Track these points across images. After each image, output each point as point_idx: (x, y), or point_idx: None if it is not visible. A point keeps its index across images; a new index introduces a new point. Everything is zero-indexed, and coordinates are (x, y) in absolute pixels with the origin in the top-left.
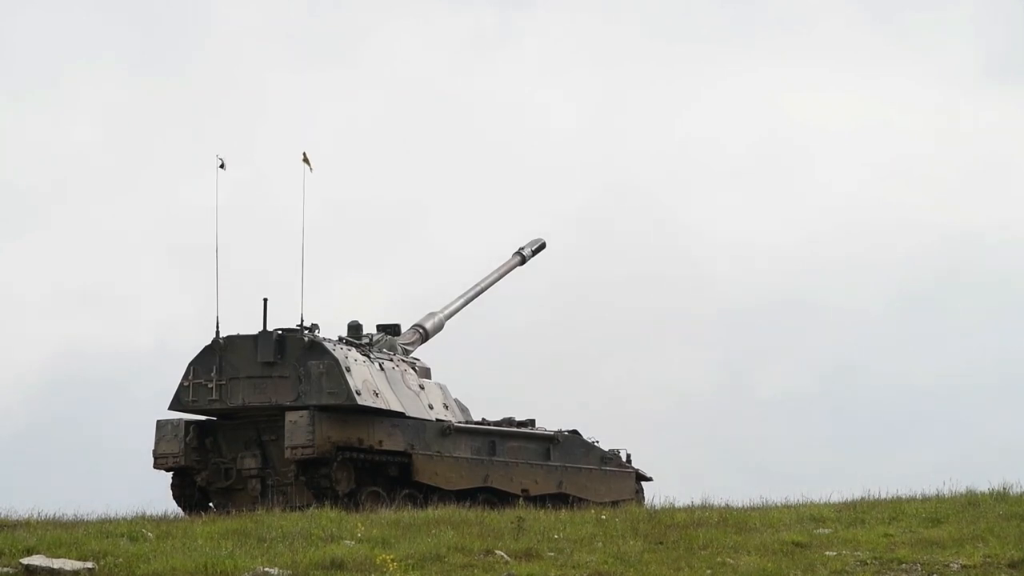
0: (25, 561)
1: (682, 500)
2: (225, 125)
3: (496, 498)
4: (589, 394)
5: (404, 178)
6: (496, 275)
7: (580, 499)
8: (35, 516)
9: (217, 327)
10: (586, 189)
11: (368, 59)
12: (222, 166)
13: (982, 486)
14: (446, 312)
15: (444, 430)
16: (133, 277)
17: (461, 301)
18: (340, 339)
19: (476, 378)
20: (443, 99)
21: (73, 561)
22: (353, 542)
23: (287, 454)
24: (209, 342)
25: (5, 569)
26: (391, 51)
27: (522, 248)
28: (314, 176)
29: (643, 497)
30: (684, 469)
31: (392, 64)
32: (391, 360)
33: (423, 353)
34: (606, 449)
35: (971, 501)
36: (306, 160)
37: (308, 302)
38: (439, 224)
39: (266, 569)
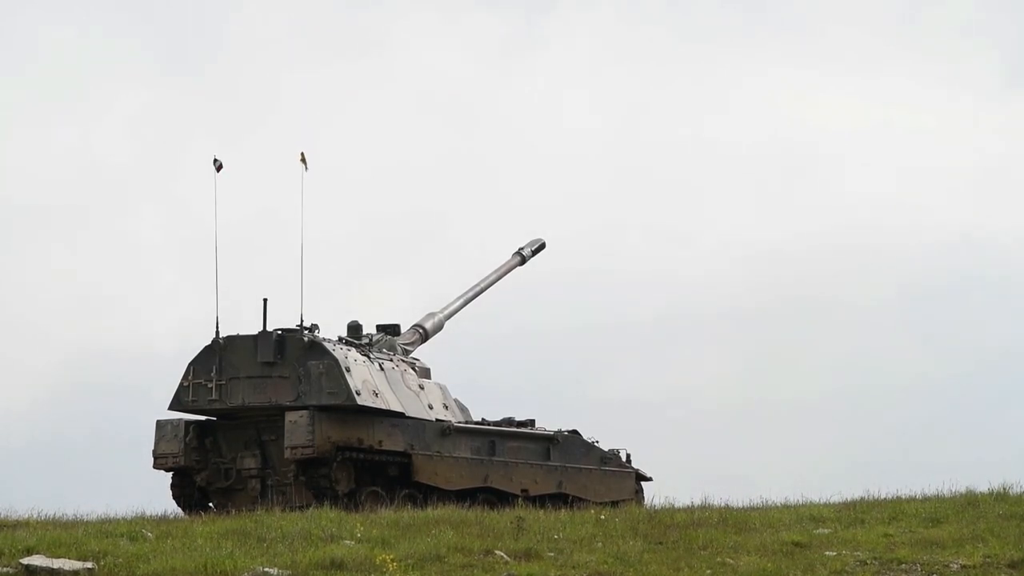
0: (25, 561)
1: (682, 500)
2: (233, 126)
3: (496, 498)
4: (589, 393)
5: (415, 178)
6: (496, 275)
7: (580, 499)
8: (35, 516)
9: (217, 327)
10: (595, 188)
11: (383, 60)
12: (218, 168)
13: (982, 486)
14: (446, 312)
15: (444, 430)
16: (148, 280)
17: (461, 301)
18: (340, 339)
19: (476, 378)
20: (454, 99)
21: (73, 561)
22: (353, 542)
23: (287, 454)
24: (209, 342)
25: (5, 569)
26: (408, 52)
27: (522, 248)
28: (320, 177)
29: (643, 497)
30: (685, 469)
31: (406, 65)
32: (391, 360)
33: (423, 353)
34: (606, 449)
35: (971, 501)
36: (303, 160)
37: (308, 302)
38: (449, 225)
39: (266, 569)
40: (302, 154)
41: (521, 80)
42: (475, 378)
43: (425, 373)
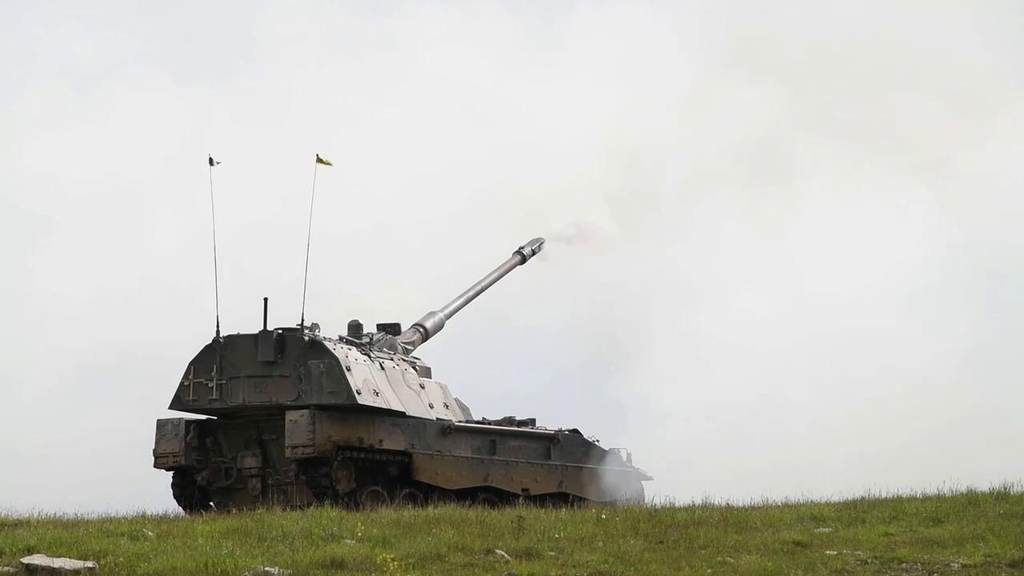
0: (26, 560)
1: (682, 499)
2: (241, 127)
3: (496, 497)
4: (590, 393)
5: (417, 177)
6: (496, 274)
7: (580, 498)
8: (35, 515)
9: (217, 326)
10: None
11: (390, 61)
12: (211, 162)
13: (982, 486)
14: (446, 311)
15: (444, 429)
16: (152, 281)
17: (461, 300)
18: (340, 338)
19: (476, 377)
20: (464, 100)
21: (73, 560)
22: (353, 541)
23: (287, 453)
24: (209, 341)
25: (6, 568)
26: (420, 53)
27: (522, 247)
28: (322, 176)
29: (643, 497)
30: (685, 468)
31: (416, 65)
32: (391, 359)
33: (424, 352)
34: (606, 448)
35: (971, 500)
36: (319, 160)
37: (308, 301)
38: (455, 225)
39: (266, 568)
40: (318, 155)
41: (537, 82)
42: (475, 378)
43: (426, 372)
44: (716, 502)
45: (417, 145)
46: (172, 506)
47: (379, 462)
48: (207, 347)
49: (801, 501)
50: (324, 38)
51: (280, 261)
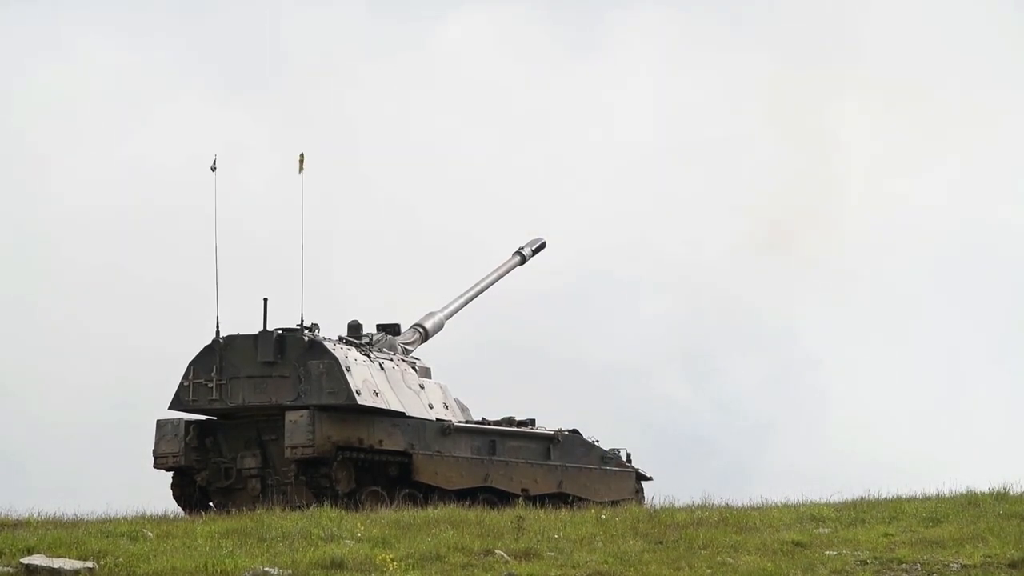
0: (25, 561)
1: (682, 500)
2: (247, 128)
3: (496, 497)
4: (589, 392)
5: (417, 177)
6: (496, 275)
7: (580, 499)
8: (35, 515)
9: (217, 327)
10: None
11: (411, 59)
12: (213, 168)
13: (982, 486)
14: (446, 312)
15: (444, 430)
16: (153, 281)
17: (461, 301)
18: (340, 339)
19: (476, 378)
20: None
21: (73, 561)
22: (353, 542)
23: (287, 453)
24: (209, 342)
25: (5, 569)
26: (438, 49)
27: (522, 248)
28: (325, 175)
29: (643, 497)
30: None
31: (430, 61)
32: (391, 360)
33: (423, 353)
34: (606, 449)
35: (971, 501)
36: (301, 161)
37: (308, 302)
38: (453, 224)
39: (266, 569)
40: (301, 155)
41: (551, 84)
42: (475, 378)
43: (425, 373)
44: (716, 502)
45: (406, 142)
46: (172, 506)
47: (379, 462)
48: (207, 347)
49: (800, 501)
50: (349, 40)
51: (280, 261)
